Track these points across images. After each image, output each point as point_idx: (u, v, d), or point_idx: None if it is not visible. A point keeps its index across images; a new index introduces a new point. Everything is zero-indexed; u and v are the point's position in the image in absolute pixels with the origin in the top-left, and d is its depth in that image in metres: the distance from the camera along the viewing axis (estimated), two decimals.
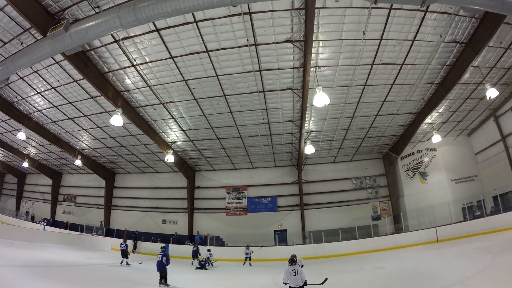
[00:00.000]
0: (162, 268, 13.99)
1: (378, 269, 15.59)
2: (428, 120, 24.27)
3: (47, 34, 14.73)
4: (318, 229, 27.99)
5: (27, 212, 48.19)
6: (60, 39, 14.17)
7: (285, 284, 10.01)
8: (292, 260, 10.19)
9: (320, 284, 10.41)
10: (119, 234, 33.81)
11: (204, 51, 17.08)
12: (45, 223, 38.45)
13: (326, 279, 10.69)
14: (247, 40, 15.98)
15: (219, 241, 31.24)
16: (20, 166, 47.98)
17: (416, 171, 28.31)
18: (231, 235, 30.79)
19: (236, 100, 21.62)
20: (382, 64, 17.83)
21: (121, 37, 16.86)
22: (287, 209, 31.60)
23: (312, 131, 25.36)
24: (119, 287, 13.59)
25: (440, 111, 23.61)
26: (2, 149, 41.83)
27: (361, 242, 24.59)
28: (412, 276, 12.69)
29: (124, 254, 20.40)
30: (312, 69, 17.24)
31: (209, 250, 22.20)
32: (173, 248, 27.85)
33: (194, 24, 15.25)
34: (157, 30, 15.88)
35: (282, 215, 31.58)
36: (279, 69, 18.10)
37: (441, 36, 16.13)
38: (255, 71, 18.29)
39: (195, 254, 23.17)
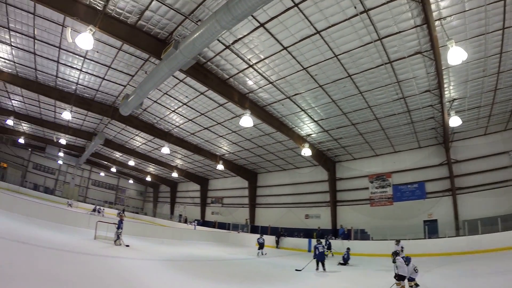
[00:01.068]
0: (323, 257, 17.97)
1: None
2: None
3: (161, 57, 17.29)
4: (473, 218, 24.72)
5: (180, 215, 56.96)
6: (173, 58, 16.50)
7: (398, 274, 11.25)
8: (397, 253, 11.77)
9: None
10: (263, 230, 36.11)
11: (315, 33, 16.81)
12: (195, 223, 44.27)
13: None
14: (355, 8, 14.98)
15: (363, 235, 30.51)
16: (170, 177, 57.44)
17: None
18: (376, 228, 29.79)
19: (363, 78, 20.66)
20: None
21: (230, 42, 18.27)
22: (437, 195, 28.53)
23: (455, 99, 22.56)
24: (255, 281, 14.41)
25: None
26: (153, 164, 50.62)
27: None
28: None
29: (262, 246, 24.56)
30: (436, 22, 15.50)
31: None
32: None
33: (295, 8, 15.23)
34: (262, 25, 16.57)
35: (431, 203, 28.65)
36: (400, 32, 16.49)
37: None
38: (375, 40, 17.14)
39: (329, 247, 25.10)
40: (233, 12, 12.47)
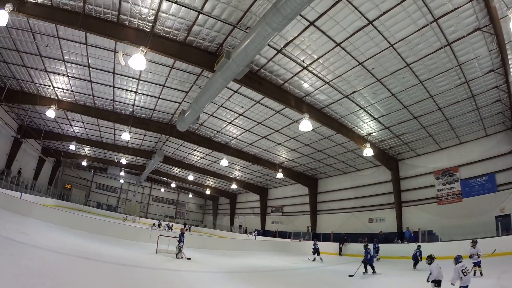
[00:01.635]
0: (371, 260, 18.88)
1: None
2: None
3: (214, 69, 17.53)
4: None
5: (240, 226, 58.13)
6: (227, 68, 16.68)
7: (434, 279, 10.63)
8: (432, 257, 11.14)
9: None
10: (326, 237, 36.14)
11: (367, 24, 16.17)
12: (255, 234, 44.75)
13: None
14: None
15: (431, 236, 28.66)
16: (230, 189, 58.54)
17: None
18: (445, 228, 27.92)
19: (422, 66, 19.52)
20: None
21: (282, 46, 18.31)
22: (510, 187, 25.81)
23: None
24: None
25: None
26: (212, 177, 52.26)
27: None
28: None
29: (317, 251, 25.42)
30: None
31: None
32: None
33: (344, 0, 14.82)
34: (312, 23, 16.44)
35: (503, 196, 25.84)
36: (455, 9, 15.27)
37: None
38: (431, 22, 16.09)
39: (377, 251, 25.45)
40: (283, 12, 12.32)
